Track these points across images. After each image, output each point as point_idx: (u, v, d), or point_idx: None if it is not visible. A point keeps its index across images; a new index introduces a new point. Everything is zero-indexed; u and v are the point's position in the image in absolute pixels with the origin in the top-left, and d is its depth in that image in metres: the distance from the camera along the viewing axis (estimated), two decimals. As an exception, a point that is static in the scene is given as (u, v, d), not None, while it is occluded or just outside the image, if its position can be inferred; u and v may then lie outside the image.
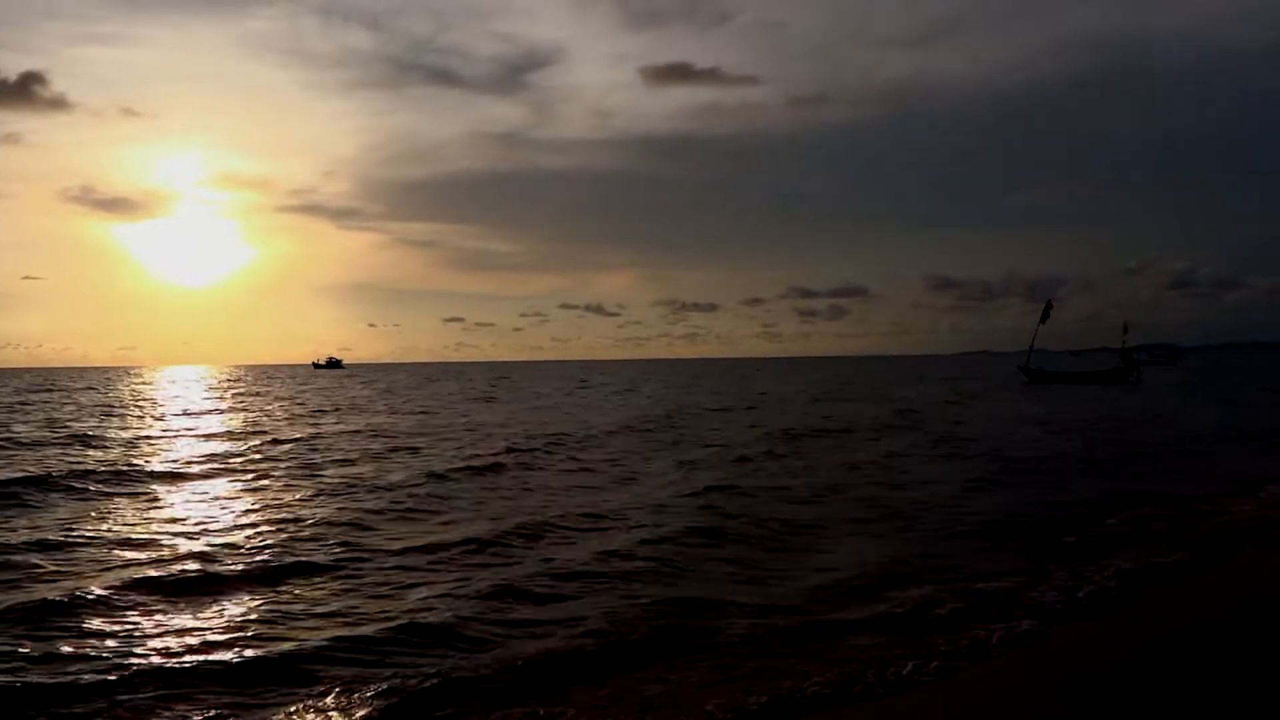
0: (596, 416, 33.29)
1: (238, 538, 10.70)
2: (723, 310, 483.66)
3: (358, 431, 27.06)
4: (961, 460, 18.18)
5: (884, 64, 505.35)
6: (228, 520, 12.00)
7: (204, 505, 13.40)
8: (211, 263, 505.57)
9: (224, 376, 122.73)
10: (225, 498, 14.18)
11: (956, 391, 50.57)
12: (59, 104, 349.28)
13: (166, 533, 11.18)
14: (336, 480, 15.97)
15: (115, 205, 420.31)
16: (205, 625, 7.22)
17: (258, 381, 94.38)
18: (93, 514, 12.57)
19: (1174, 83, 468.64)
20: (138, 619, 7.44)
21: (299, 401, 48.07)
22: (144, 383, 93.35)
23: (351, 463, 18.97)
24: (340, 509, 12.57)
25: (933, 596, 7.85)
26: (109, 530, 11.35)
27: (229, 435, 26.18)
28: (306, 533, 10.84)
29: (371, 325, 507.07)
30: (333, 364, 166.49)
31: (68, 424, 30.25)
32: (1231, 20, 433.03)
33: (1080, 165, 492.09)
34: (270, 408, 41.85)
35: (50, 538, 10.61)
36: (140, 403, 47.50)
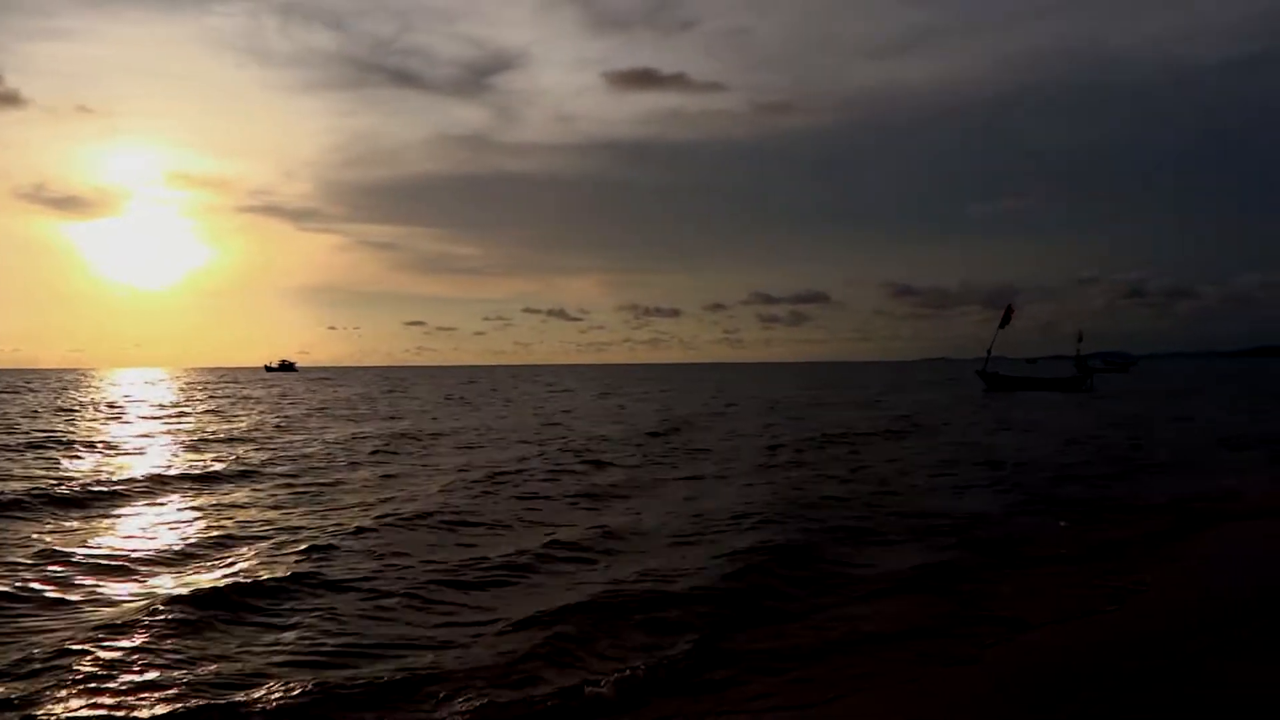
0: (600, 424, 32.67)
1: (248, 552, 10.72)
2: (685, 315, 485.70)
3: (357, 438, 26.68)
4: (970, 467, 18.84)
5: (849, 73, 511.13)
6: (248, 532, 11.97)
7: (233, 514, 13.35)
8: (166, 264, 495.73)
9: (183, 380, 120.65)
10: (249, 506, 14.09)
11: (955, 396, 51.69)
12: (12, 100, 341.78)
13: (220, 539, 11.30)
14: (345, 491, 15.84)
15: (68, 204, 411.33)
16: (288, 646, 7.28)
17: (220, 384, 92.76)
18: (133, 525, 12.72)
19: (1132, 96, 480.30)
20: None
21: (284, 405, 47.63)
22: (111, 384, 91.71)
23: (356, 467, 19.12)
24: (360, 521, 12.43)
25: (920, 601, 8.42)
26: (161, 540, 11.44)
27: (230, 440, 26.03)
28: (328, 550, 10.60)
29: (331, 328, 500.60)
30: (285, 367, 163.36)
31: (70, 429, 30.05)
32: (1186, 35, 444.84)
33: (1040, 176, 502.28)
34: (248, 412, 41.40)
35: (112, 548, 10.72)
36: (127, 405, 46.91)
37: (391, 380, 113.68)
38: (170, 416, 38.77)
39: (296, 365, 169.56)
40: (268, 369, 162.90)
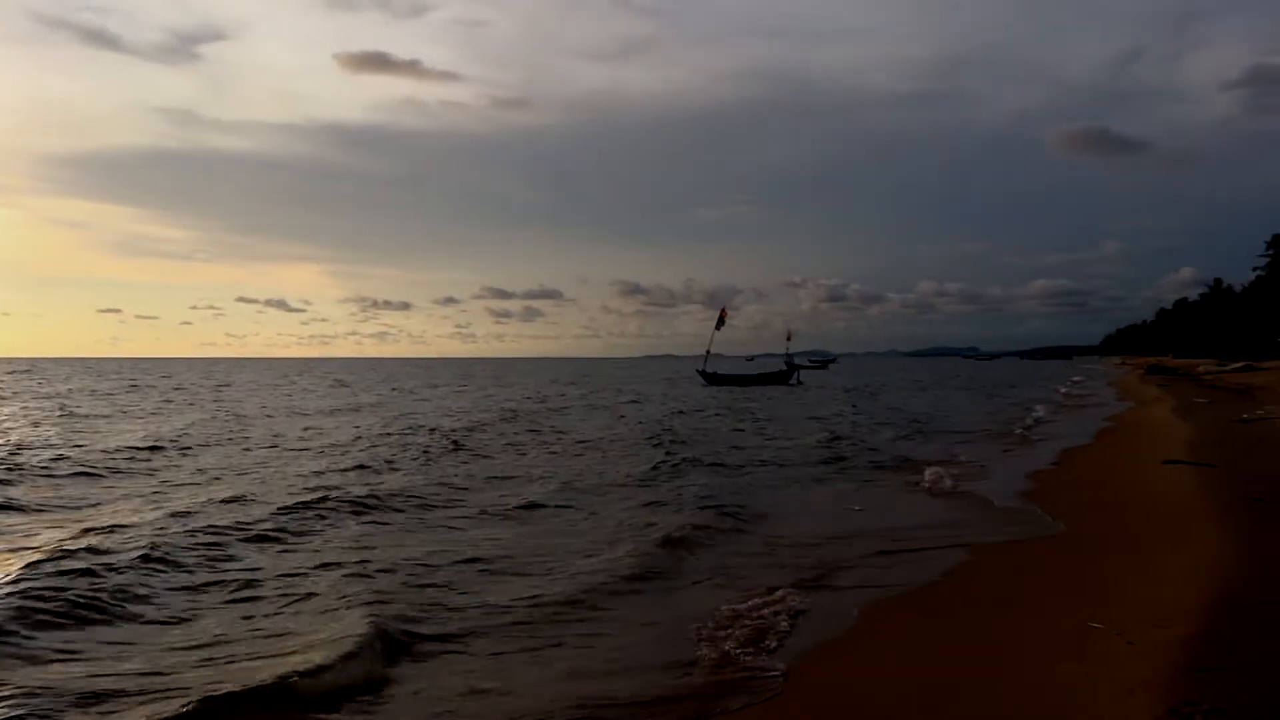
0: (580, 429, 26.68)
1: None
2: (415, 309, 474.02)
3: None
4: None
5: (582, 74, 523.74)
6: None
7: None
8: None
9: None
10: None
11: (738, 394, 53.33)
12: None
13: None
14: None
15: None
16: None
17: None
18: None
19: (831, 116, 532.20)
20: None
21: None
22: None
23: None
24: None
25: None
26: None
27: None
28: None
29: (5, 314, 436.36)
30: None
31: None
32: (877, 66, 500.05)
33: (754, 185, 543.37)
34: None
35: None
36: None
37: (77, 373, 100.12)
38: None
39: None
40: None
